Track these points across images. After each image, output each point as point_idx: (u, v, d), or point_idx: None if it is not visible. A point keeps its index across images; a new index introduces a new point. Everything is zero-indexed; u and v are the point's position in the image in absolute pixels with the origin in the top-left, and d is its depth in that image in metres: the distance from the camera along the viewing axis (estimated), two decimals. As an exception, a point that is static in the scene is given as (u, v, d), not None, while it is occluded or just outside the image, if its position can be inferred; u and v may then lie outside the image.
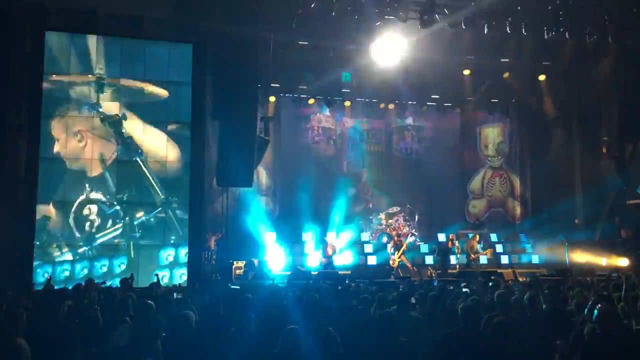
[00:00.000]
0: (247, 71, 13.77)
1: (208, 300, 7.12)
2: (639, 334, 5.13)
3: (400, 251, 15.42)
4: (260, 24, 13.61)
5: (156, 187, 14.09)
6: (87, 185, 13.72)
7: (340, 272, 14.32)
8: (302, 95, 18.34)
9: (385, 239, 17.35)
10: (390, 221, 18.38)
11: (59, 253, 13.33)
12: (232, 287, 9.95)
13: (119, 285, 9.89)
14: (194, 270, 13.54)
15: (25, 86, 13.10)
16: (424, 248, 17.51)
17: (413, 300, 6.92)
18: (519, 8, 14.61)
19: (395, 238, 15.81)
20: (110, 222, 13.80)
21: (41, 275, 12.58)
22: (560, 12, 14.67)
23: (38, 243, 13.03)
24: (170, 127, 14.38)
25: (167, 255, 13.92)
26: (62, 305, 6.14)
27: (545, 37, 15.35)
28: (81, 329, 5.40)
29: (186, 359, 4.26)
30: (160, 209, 14.08)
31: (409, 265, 15.63)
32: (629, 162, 16.21)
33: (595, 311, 4.57)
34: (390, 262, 15.30)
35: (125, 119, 14.08)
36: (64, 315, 5.93)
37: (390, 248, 15.67)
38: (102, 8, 13.38)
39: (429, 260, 16.76)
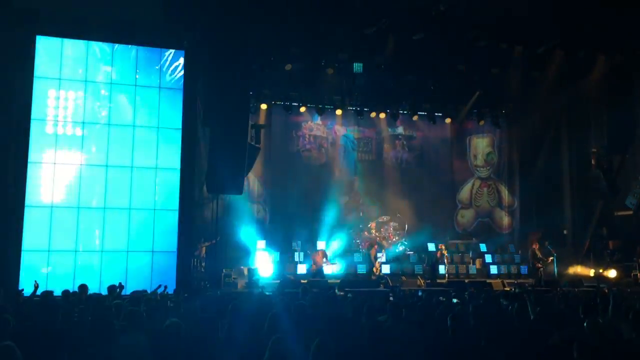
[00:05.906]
0: (239, 78, 13.77)
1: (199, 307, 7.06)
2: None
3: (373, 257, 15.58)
4: (251, 32, 13.63)
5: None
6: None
7: (329, 281, 14.33)
8: (293, 103, 18.33)
9: (375, 247, 17.37)
10: (381, 230, 18.43)
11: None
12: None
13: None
14: (182, 278, 13.43)
15: (15, 90, 13.02)
16: (413, 257, 17.53)
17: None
18: (510, 20, 14.75)
19: (376, 246, 15.91)
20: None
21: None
22: (551, 25, 14.83)
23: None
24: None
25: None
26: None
27: (536, 49, 15.52)
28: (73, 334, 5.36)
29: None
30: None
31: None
32: (617, 174, 16.35)
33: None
34: (374, 269, 15.34)
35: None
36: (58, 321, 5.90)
37: (372, 256, 15.71)
38: (94, 13, 13.32)
39: (419, 269, 16.80)
